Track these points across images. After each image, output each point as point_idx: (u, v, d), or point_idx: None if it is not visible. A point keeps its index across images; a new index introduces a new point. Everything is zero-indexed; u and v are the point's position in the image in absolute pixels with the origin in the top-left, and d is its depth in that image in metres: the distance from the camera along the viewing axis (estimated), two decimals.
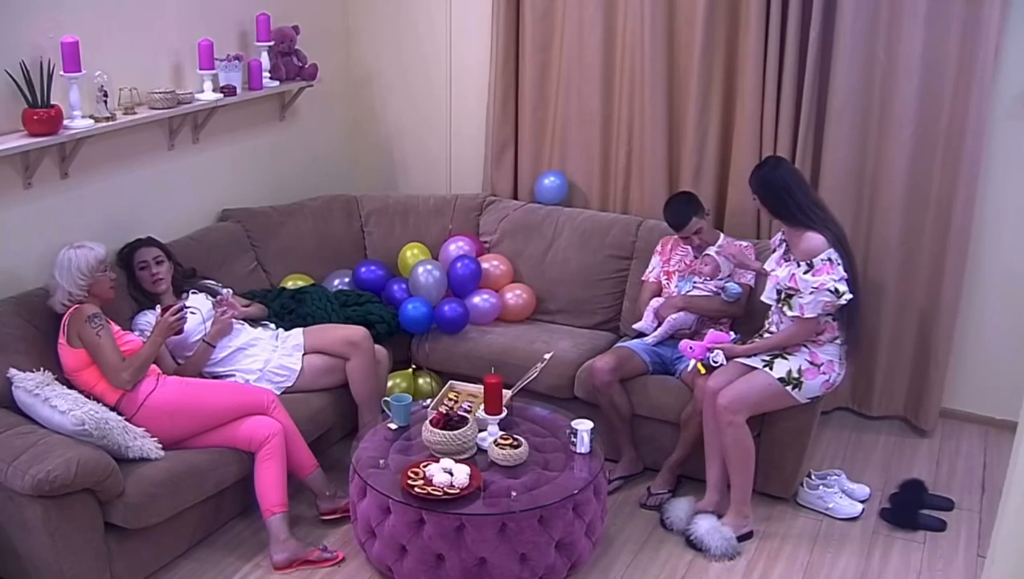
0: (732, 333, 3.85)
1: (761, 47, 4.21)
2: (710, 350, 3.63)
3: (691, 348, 3.67)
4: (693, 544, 3.56)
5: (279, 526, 3.42)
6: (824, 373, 3.58)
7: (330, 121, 5.18)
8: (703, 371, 3.63)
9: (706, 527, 3.56)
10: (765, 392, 3.56)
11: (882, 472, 4.12)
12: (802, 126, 4.21)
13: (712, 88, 4.39)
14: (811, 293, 3.45)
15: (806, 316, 3.48)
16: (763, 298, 3.68)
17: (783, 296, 3.55)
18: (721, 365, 3.62)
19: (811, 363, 3.57)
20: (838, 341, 3.62)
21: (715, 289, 4.04)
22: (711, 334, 3.75)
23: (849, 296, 3.46)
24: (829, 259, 3.47)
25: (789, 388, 3.55)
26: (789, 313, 3.53)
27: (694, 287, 4.06)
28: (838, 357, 3.62)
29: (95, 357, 3.36)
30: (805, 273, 3.47)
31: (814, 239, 3.48)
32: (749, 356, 3.63)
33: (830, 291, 3.44)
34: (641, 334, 4.10)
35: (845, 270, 3.48)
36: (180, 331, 3.58)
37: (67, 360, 3.37)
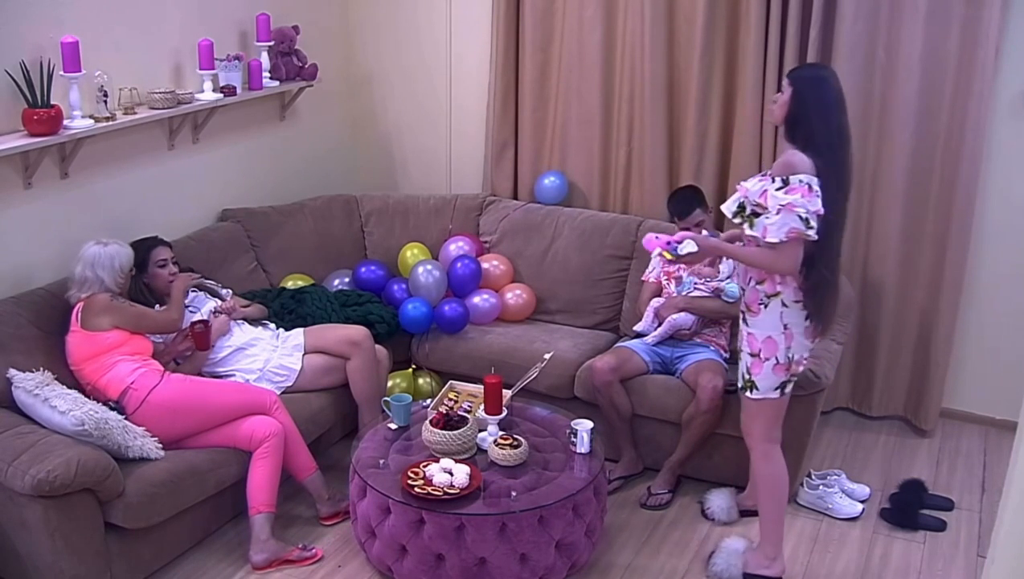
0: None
1: (761, 47, 4.22)
2: (678, 242, 3.19)
3: (656, 237, 3.22)
4: (706, 514, 3.67)
5: (261, 526, 3.42)
6: (766, 357, 3.15)
7: (330, 121, 5.19)
8: (668, 257, 3.20)
9: (719, 504, 3.66)
10: (751, 410, 3.30)
11: (882, 472, 4.12)
12: None
13: (712, 88, 4.39)
14: (778, 213, 2.93)
15: (768, 239, 2.97)
16: (722, 208, 3.20)
17: (747, 213, 3.06)
18: (691, 252, 3.17)
19: (751, 355, 3.18)
20: (782, 302, 3.10)
21: (715, 290, 4.04)
22: (677, 235, 3.27)
23: (815, 236, 2.97)
24: (809, 185, 2.95)
25: (750, 393, 3.23)
26: (749, 232, 3.05)
27: (694, 288, 4.06)
28: (781, 326, 3.12)
29: (140, 323, 3.50)
30: (778, 189, 2.97)
31: (797, 155, 2.99)
32: (718, 253, 3.30)
33: (800, 217, 2.93)
34: (641, 335, 4.10)
35: (829, 214, 2.99)
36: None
37: (80, 348, 3.39)
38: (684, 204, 4.02)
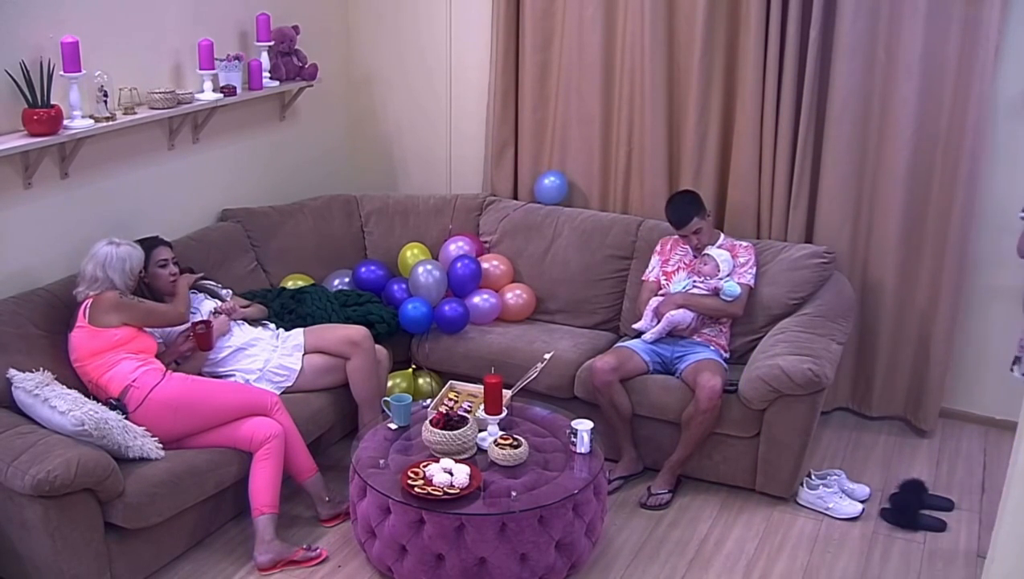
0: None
1: (761, 47, 4.21)
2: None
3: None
4: None
5: (266, 527, 3.42)
6: None
7: (330, 121, 5.18)
8: None
9: None
10: None
11: (882, 472, 4.12)
12: (802, 126, 4.21)
13: (712, 88, 4.39)
14: None
15: None
16: None
17: None
18: None
19: None
20: None
21: (714, 289, 4.03)
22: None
23: None
24: None
25: None
26: None
27: (694, 286, 4.06)
28: None
29: (149, 319, 3.55)
30: None
31: None
32: None
33: None
34: (641, 333, 4.10)
35: None
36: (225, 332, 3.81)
37: (86, 344, 3.40)
38: (681, 213, 4.03)
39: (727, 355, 4.05)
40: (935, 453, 4.29)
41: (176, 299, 3.69)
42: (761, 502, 3.86)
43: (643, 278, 4.27)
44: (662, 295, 4.13)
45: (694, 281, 4.07)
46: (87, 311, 3.43)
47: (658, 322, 4.03)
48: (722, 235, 4.18)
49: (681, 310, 3.99)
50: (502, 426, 3.53)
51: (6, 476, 2.95)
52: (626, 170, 4.67)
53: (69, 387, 3.30)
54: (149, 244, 3.75)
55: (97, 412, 3.17)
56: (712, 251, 4.06)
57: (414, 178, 5.29)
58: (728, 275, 4.04)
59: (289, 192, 4.86)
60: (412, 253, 4.65)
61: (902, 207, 4.22)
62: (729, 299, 4.00)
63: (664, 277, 4.18)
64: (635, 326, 4.12)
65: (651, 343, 4.02)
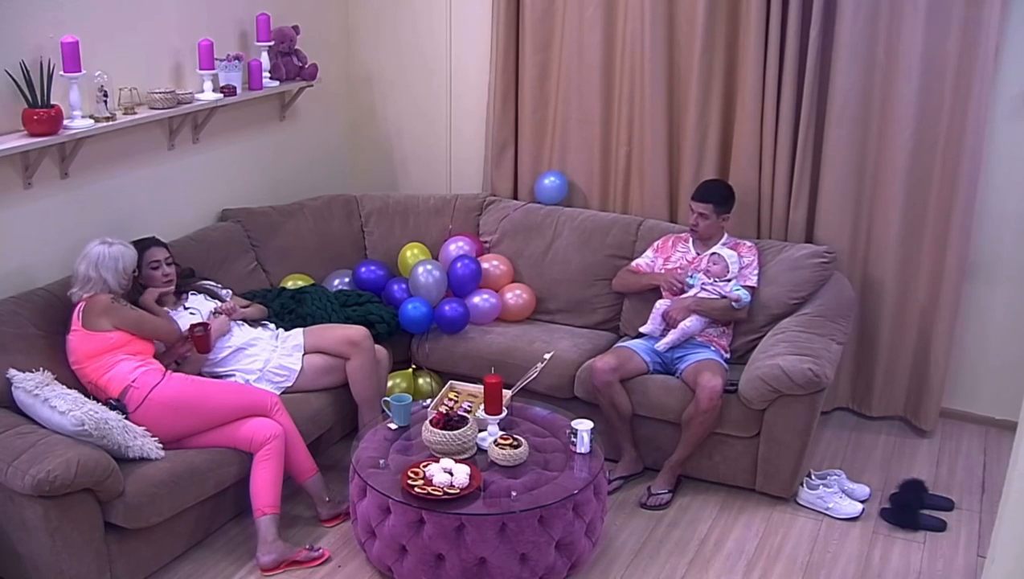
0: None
1: (761, 47, 4.22)
2: None
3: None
4: None
5: (268, 527, 3.42)
6: None
7: (330, 121, 5.19)
8: None
9: None
10: None
11: (882, 472, 4.12)
12: (802, 126, 4.21)
13: (712, 88, 4.39)
14: None
15: None
16: None
17: None
18: None
19: None
20: None
21: (722, 292, 4.03)
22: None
23: None
24: None
25: None
26: None
27: (702, 288, 4.06)
28: None
29: (140, 327, 3.49)
30: None
31: None
32: None
33: None
34: (641, 335, 4.11)
35: None
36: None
37: (82, 347, 3.39)
38: (710, 193, 4.09)
39: (728, 356, 4.05)
40: (935, 453, 4.29)
41: (156, 316, 3.62)
42: (761, 502, 3.86)
43: (633, 264, 4.31)
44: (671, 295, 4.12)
45: (703, 283, 4.06)
46: (80, 314, 3.42)
47: (666, 325, 4.02)
48: (725, 233, 4.18)
49: (693, 318, 3.99)
50: (502, 426, 3.53)
51: (6, 476, 2.95)
52: (626, 170, 4.67)
53: (69, 387, 3.30)
54: (143, 245, 3.74)
55: (97, 412, 3.17)
56: (723, 251, 4.06)
57: (414, 178, 5.29)
58: (734, 278, 4.05)
59: (289, 192, 4.86)
60: (412, 253, 4.65)
61: (902, 207, 4.22)
62: (739, 308, 4.01)
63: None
64: (642, 329, 4.12)
65: (664, 351, 4.01)
